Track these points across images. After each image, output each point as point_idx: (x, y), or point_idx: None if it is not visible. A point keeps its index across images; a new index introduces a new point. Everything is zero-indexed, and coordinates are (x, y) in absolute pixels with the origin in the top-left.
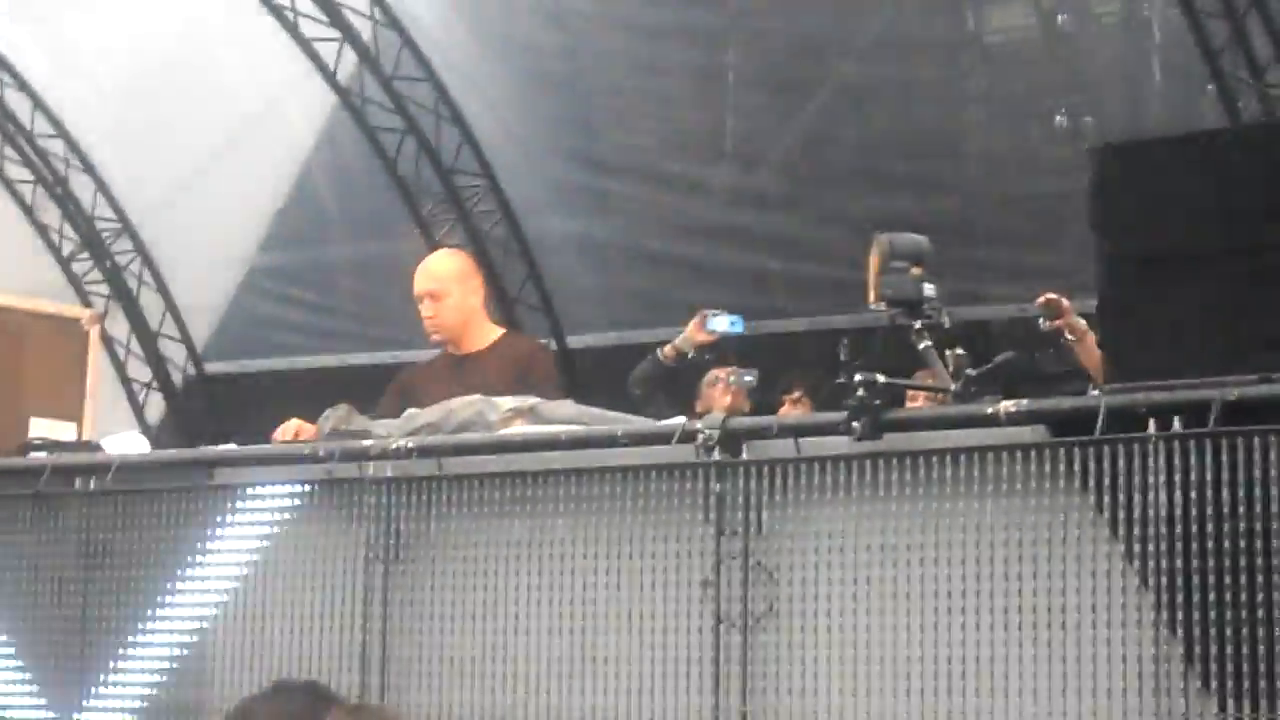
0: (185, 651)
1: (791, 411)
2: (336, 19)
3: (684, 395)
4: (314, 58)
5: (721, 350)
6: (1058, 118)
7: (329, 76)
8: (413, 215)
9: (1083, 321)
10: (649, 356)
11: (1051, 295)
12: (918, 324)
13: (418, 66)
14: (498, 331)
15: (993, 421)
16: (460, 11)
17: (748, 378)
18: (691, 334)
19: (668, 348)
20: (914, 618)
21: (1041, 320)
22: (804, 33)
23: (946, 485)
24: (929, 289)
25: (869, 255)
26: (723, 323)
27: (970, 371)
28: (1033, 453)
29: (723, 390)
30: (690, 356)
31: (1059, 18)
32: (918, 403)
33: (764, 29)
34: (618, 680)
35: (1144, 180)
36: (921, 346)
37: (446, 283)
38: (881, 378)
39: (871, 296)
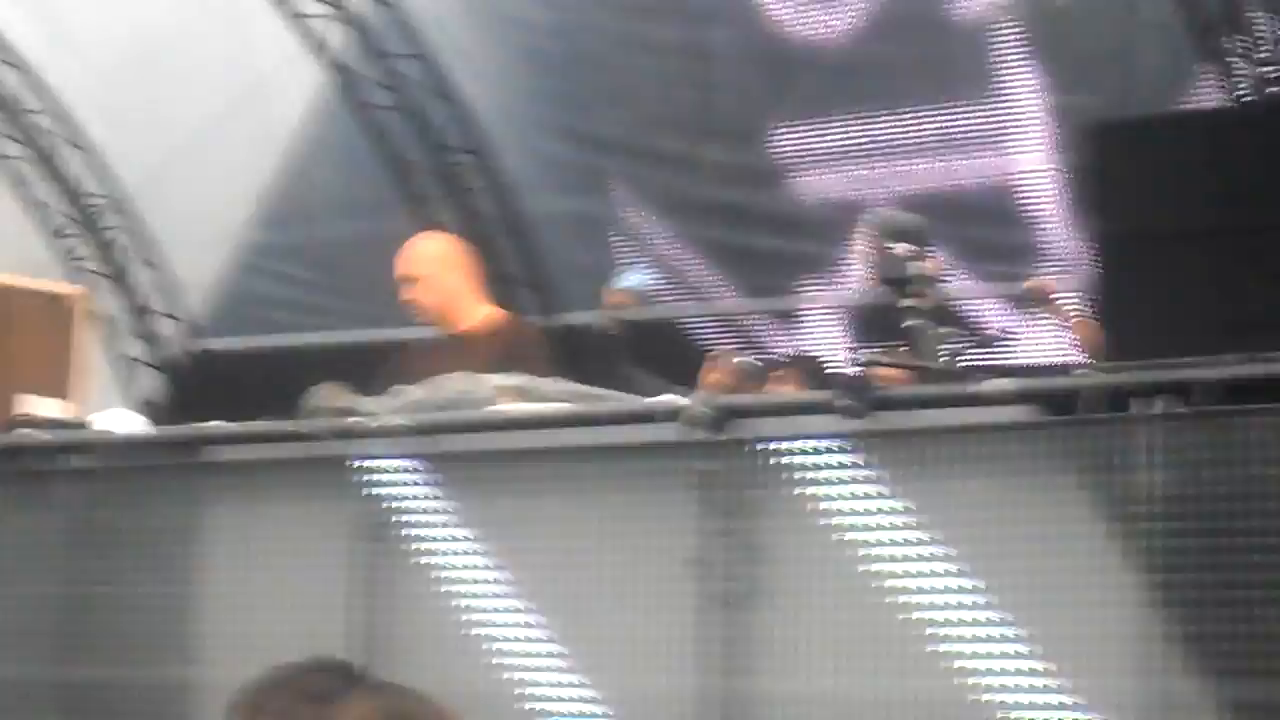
0: (173, 630)
1: (781, 390)
2: None
3: (677, 366)
4: (307, 34)
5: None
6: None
7: (322, 53)
8: (405, 192)
9: (1068, 304)
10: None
11: (1038, 280)
12: (908, 301)
13: (410, 43)
14: (487, 310)
15: (985, 400)
16: None
17: (747, 360)
18: (610, 298)
19: (604, 318)
20: (901, 598)
21: (1027, 303)
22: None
23: (939, 464)
24: (921, 266)
25: (862, 232)
26: (632, 279)
27: (959, 349)
28: (1025, 432)
29: (720, 370)
30: (623, 320)
31: None
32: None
33: (753, 5)
34: (604, 659)
35: (1138, 158)
36: (911, 324)
37: (422, 265)
38: (870, 356)
39: (864, 273)
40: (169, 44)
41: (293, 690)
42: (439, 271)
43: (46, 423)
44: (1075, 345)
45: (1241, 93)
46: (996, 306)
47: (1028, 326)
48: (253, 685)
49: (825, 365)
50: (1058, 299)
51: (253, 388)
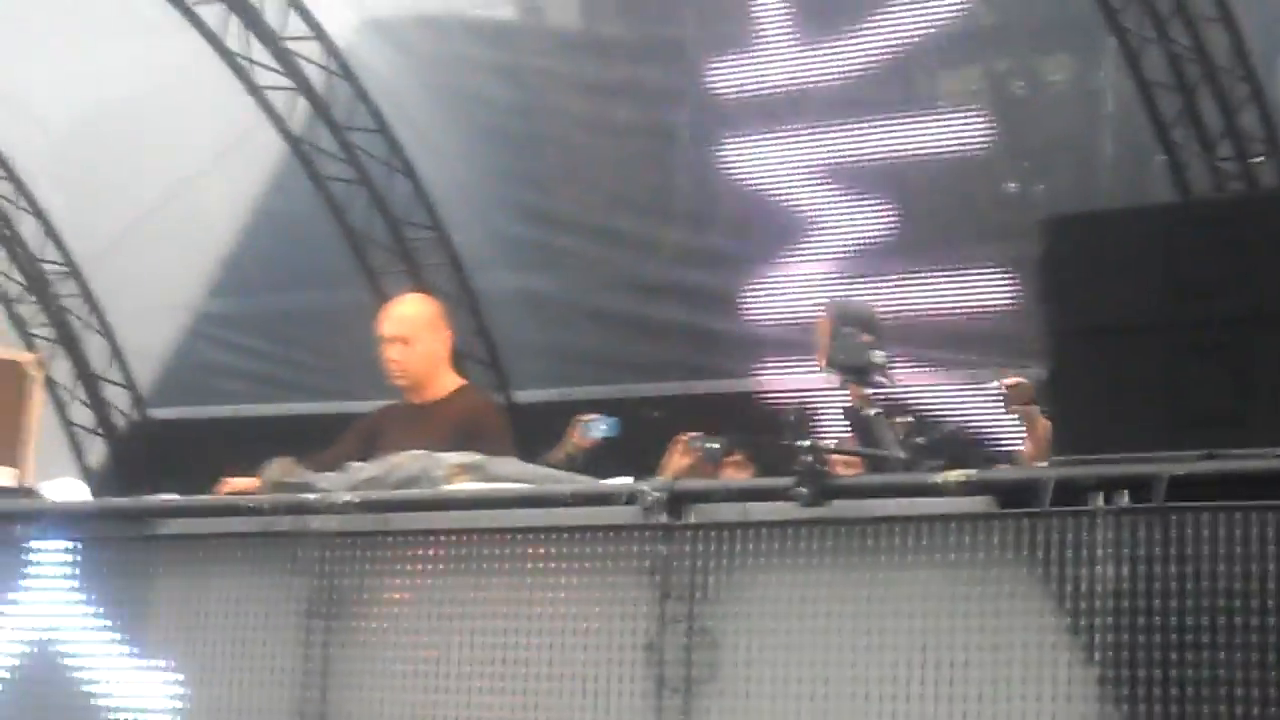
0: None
1: (732, 475)
2: (290, 68)
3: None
4: (267, 107)
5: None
6: (1009, 185)
7: (281, 125)
8: (361, 266)
9: (1036, 408)
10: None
11: (1018, 379)
12: (866, 390)
13: (370, 117)
14: (457, 383)
15: (940, 491)
16: (415, 64)
17: (712, 445)
18: (575, 440)
19: (556, 454)
20: (856, 686)
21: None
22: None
23: (893, 554)
24: (878, 355)
25: (819, 320)
26: (599, 429)
27: (918, 440)
28: (979, 523)
29: (681, 453)
30: (578, 460)
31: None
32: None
33: (716, 88)
34: None
35: (1094, 252)
36: (869, 413)
37: (416, 328)
38: (828, 443)
39: (821, 362)
40: (127, 115)
41: None
42: (425, 335)
43: None
44: (1026, 439)
45: (1198, 187)
46: (955, 397)
47: (989, 419)
48: None
49: (780, 450)
50: (1030, 396)
51: (202, 458)
